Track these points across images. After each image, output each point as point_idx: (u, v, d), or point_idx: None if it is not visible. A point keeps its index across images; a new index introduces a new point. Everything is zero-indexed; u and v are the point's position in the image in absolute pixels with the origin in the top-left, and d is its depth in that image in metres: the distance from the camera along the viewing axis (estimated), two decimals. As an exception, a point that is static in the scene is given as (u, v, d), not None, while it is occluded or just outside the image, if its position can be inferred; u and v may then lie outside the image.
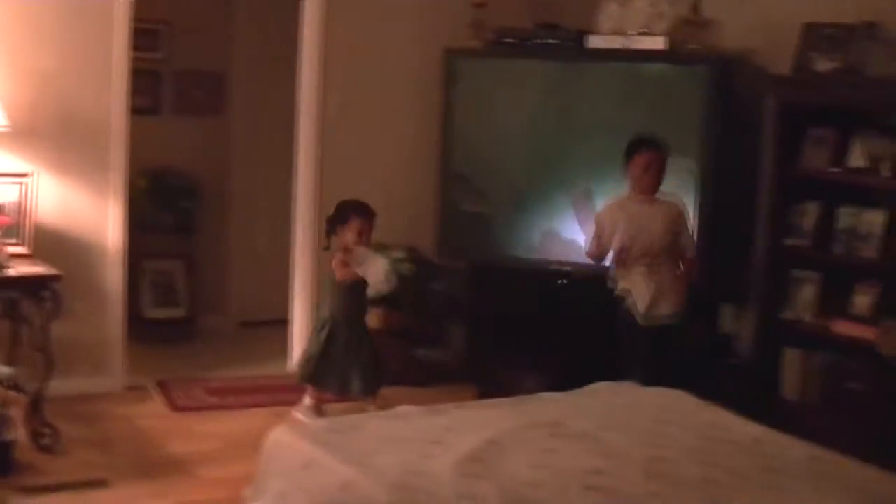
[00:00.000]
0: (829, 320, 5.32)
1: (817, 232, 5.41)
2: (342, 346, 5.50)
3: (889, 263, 5.12)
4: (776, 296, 5.52)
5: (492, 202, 6.50)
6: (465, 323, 6.77)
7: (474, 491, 3.24)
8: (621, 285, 5.33)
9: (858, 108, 5.29)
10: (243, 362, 6.81)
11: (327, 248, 5.67)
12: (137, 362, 6.25)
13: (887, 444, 4.52)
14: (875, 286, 5.20)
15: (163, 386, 6.15)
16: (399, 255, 6.31)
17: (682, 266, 5.40)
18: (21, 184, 5.46)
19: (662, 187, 5.36)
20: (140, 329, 6.86)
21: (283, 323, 6.84)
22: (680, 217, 5.41)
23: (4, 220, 5.31)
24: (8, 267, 5.02)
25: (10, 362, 5.22)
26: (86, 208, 5.87)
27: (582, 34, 6.31)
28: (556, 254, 6.24)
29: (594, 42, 6.27)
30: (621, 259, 5.27)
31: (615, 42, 6.20)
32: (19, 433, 4.87)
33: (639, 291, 5.26)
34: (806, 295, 5.47)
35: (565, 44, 6.33)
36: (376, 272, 5.46)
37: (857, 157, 5.23)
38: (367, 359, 5.51)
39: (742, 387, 5.38)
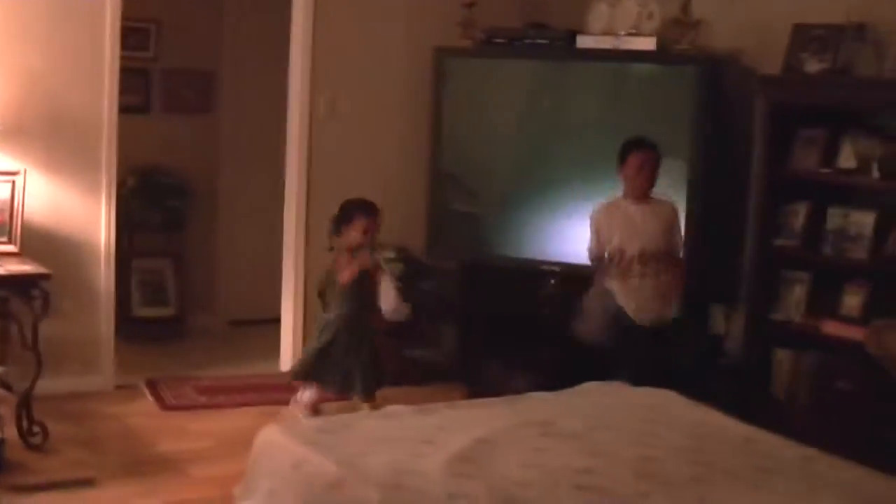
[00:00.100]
0: (818, 321, 5.32)
1: (807, 232, 5.42)
2: (343, 347, 5.46)
3: (878, 264, 5.13)
4: (766, 296, 5.52)
5: (482, 202, 6.50)
6: (455, 322, 6.76)
7: (465, 490, 3.24)
8: (612, 286, 5.33)
9: (848, 109, 5.30)
10: (233, 361, 6.80)
11: (332, 248, 5.61)
12: (127, 361, 6.24)
13: (877, 444, 4.53)
14: (864, 287, 5.21)
15: (152, 385, 6.14)
16: (389, 254, 6.30)
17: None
18: (10, 182, 5.44)
19: (654, 188, 5.36)
20: (129, 328, 6.85)
21: (272, 322, 6.83)
22: (674, 217, 5.42)
23: (-7, 218, 5.31)
24: (-3, 265, 5.01)
25: (-1, 361, 5.22)
26: (75, 207, 5.86)
27: (572, 34, 6.30)
28: (546, 253, 6.23)
29: (584, 42, 6.27)
30: (617, 261, 5.27)
31: (605, 42, 6.20)
32: (8, 432, 4.86)
33: (628, 294, 5.27)
34: (796, 295, 5.47)
35: (555, 44, 6.33)
36: (388, 300, 5.46)
37: (846, 158, 5.23)
38: (368, 359, 5.47)
39: (732, 387, 5.38)
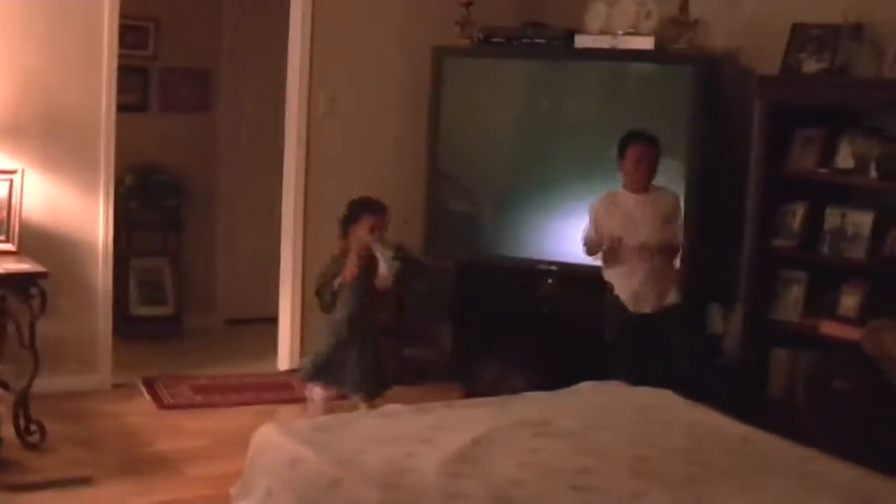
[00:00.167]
0: (816, 320, 5.32)
1: (805, 232, 5.42)
2: (346, 347, 5.45)
3: (876, 264, 5.14)
4: (764, 296, 5.52)
5: (479, 201, 6.50)
6: (452, 322, 6.77)
7: (461, 490, 3.24)
8: (609, 277, 5.33)
9: (846, 109, 5.30)
10: (230, 360, 6.80)
11: (337, 254, 5.52)
12: (124, 360, 6.23)
13: (874, 444, 4.53)
14: (862, 287, 5.22)
15: (149, 384, 6.13)
16: (388, 253, 6.28)
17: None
18: (8, 181, 5.43)
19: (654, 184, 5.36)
20: (127, 326, 6.84)
21: (269, 321, 6.83)
22: (675, 206, 5.40)
23: (-9, 216, 5.30)
24: (-6, 264, 5.01)
25: (-4, 359, 5.21)
26: (73, 205, 5.85)
27: (570, 33, 6.30)
28: (543, 253, 6.23)
29: (582, 41, 6.27)
30: (614, 251, 5.26)
31: (603, 42, 6.20)
32: (5, 431, 4.86)
33: (625, 285, 5.28)
34: (793, 295, 5.48)
35: (553, 43, 6.33)
36: (382, 266, 5.40)
37: (844, 158, 5.24)
38: (372, 359, 5.44)
39: (729, 386, 5.38)
